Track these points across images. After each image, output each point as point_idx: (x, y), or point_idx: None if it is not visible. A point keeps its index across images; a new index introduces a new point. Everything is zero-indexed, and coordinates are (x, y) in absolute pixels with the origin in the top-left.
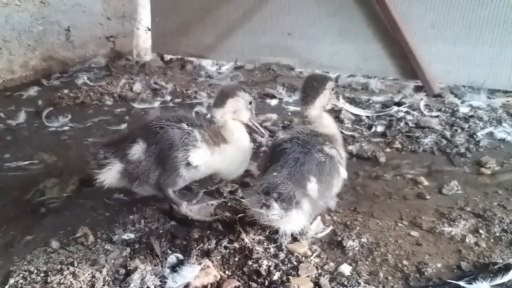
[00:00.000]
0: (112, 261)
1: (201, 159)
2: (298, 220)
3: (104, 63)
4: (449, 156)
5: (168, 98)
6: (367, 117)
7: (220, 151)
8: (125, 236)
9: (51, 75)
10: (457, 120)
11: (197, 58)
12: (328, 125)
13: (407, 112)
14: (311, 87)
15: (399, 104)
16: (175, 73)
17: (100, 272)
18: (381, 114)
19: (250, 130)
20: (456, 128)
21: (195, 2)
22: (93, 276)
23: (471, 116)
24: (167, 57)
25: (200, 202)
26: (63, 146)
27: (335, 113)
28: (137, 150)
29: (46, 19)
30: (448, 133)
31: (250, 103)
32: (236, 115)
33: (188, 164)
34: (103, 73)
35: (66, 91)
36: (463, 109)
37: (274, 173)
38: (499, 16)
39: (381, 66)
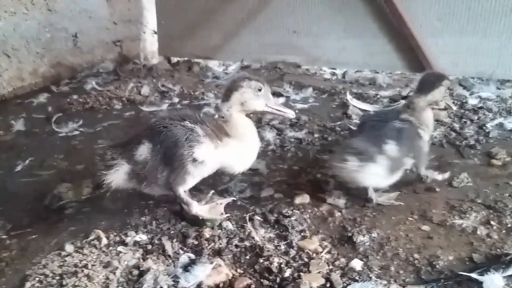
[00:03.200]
0: (125, 262)
1: (206, 153)
2: (376, 173)
3: (112, 68)
4: (458, 148)
5: (176, 100)
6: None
7: (224, 145)
8: (137, 238)
9: (60, 81)
10: (466, 112)
11: (204, 60)
12: (427, 119)
13: None
14: (428, 80)
15: (407, 98)
16: (182, 75)
17: (114, 273)
18: (389, 108)
19: (273, 115)
20: (465, 120)
21: (200, 4)
22: (107, 278)
23: (480, 108)
24: (174, 59)
25: (209, 202)
26: (74, 151)
27: (343, 108)
28: (143, 151)
29: (53, 26)
30: (457, 126)
31: (260, 89)
32: (246, 106)
33: (194, 160)
34: (111, 77)
35: (75, 96)
36: (472, 101)
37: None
38: (506, 6)
39: (388, 60)
